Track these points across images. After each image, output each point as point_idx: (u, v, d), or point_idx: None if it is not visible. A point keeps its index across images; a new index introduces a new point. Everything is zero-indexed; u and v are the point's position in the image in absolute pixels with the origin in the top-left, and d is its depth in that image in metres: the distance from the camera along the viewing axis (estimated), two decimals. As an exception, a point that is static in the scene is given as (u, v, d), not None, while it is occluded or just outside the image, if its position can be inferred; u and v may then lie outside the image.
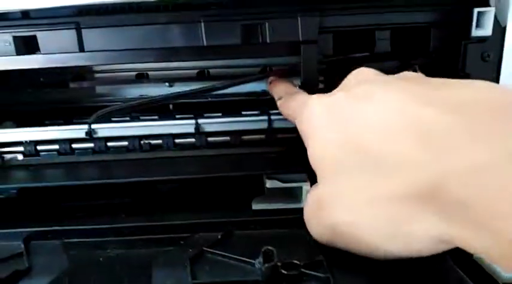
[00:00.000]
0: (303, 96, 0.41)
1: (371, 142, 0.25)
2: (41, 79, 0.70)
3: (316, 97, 0.34)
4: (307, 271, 0.31)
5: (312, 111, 0.33)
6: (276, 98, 0.51)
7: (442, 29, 0.48)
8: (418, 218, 0.23)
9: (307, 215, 0.32)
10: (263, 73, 0.66)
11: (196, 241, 0.38)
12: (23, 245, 0.38)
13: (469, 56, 0.46)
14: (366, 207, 0.25)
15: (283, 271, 0.31)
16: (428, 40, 0.49)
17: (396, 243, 0.26)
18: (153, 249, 0.37)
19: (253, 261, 0.32)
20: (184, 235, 0.40)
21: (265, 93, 0.70)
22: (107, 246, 0.38)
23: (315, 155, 0.32)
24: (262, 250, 0.29)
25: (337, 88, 0.35)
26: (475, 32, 0.44)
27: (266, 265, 0.27)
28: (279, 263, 0.30)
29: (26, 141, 0.55)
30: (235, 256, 0.34)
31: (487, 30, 0.44)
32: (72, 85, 0.72)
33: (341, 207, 0.27)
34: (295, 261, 0.32)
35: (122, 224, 0.41)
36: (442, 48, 0.49)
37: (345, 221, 0.27)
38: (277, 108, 0.62)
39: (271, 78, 0.57)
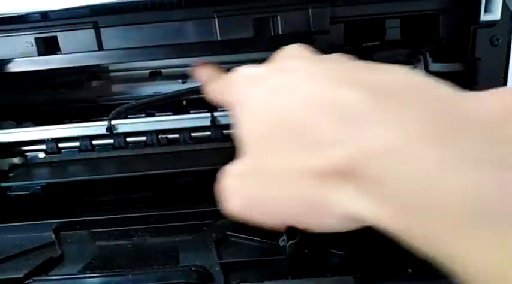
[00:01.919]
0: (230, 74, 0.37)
1: (292, 117, 0.25)
2: (57, 80, 0.72)
3: (241, 69, 0.32)
4: (329, 249, 0.32)
5: (237, 83, 0.31)
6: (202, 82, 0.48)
7: (451, 15, 0.49)
8: (333, 194, 0.23)
9: (229, 190, 0.30)
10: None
11: (219, 226, 0.40)
12: (53, 235, 0.40)
13: (478, 40, 0.47)
14: (285, 180, 0.25)
15: (305, 250, 0.32)
16: (438, 27, 0.50)
17: (309, 217, 0.26)
18: (178, 235, 0.39)
19: (275, 243, 0.34)
20: (207, 221, 0.41)
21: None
22: (134, 234, 0.40)
23: (244, 130, 0.30)
24: (285, 228, 0.30)
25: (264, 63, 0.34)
26: (484, 17, 0.45)
27: (290, 242, 0.29)
28: (301, 241, 0.31)
29: (47, 139, 0.57)
30: (258, 239, 0.36)
31: (495, 14, 0.45)
32: (87, 84, 0.74)
33: (263, 178, 0.27)
34: (317, 240, 0.33)
35: (147, 213, 0.42)
36: (452, 34, 0.50)
37: (264, 192, 0.27)
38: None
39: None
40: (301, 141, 0.24)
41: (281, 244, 0.29)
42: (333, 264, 0.31)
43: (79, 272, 0.33)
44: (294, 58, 0.30)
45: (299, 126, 0.24)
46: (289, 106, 0.25)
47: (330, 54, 0.31)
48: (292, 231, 0.30)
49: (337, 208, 0.23)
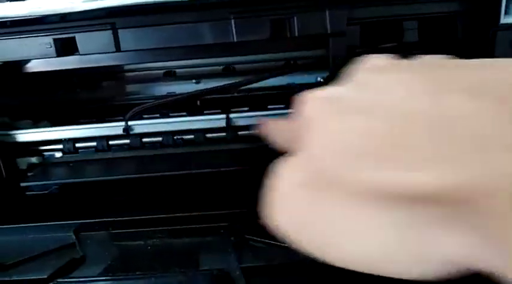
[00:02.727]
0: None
1: (386, 133, 0.19)
2: (74, 79, 0.73)
3: (310, 94, 0.26)
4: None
5: (311, 110, 0.25)
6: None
7: (470, 18, 0.49)
8: (438, 228, 0.17)
9: (281, 197, 0.23)
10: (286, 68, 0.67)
11: (237, 229, 0.40)
12: (74, 236, 0.41)
13: (498, 43, 0.46)
14: (367, 204, 0.19)
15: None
16: (456, 29, 0.50)
17: (390, 259, 0.19)
18: (197, 238, 0.39)
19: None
20: (223, 224, 0.41)
21: (290, 86, 0.72)
22: (153, 236, 0.40)
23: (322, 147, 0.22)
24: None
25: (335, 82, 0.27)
26: (504, 19, 0.45)
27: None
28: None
29: (65, 139, 0.58)
30: (276, 243, 0.36)
31: (516, 17, 0.45)
32: (103, 84, 0.74)
33: (332, 195, 0.20)
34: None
35: (165, 215, 0.43)
36: (470, 37, 0.50)
37: (332, 214, 0.20)
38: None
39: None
40: (400, 158, 0.18)
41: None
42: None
43: (101, 274, 0.34)
44: (372, 71, 0.25)
45: (399, 145, 0.18)
46: (383, 126, 0.20)
47: (407, 58, 0.27)
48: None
49: (441, 247, 0.17)
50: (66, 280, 0.32)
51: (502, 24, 0.45)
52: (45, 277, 0.32)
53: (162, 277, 0.31)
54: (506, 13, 0.45)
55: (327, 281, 0.29)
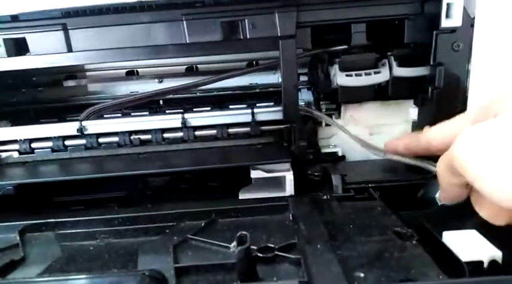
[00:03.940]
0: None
1: None
2: (34, 78, 0.72)
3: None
4: (280, 253, 0.33)
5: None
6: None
7: (416, 21, 0.50)
8: None
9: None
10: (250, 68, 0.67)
11: (182, 229, 0.41)
12: (18, 237, 0.41)
13: (439, 46, 0.48)
14: None
15: (258, 254, 0.33)
16: (403, 32, 0.51)
17: None
18: (141, 238, 0.40)
19: (230, 246, 0.35)
20: (170, 224, 0.42)
21: (250, 87, 0.73)
22: (97, 236, 0.41)
23: None
24: (237, 234, 0.31)
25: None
26: (445, 23, 0.46)
27: (239, 248, 0.30)
28: (253, 247, 0.32)
29: (21, 139, 0.58)
30: (216, 242, 0.37)
31: (456, 20, 0.46)
32: (65, 84, 0.74)
33: None
34: (270, 244, 0.34)
35: (111, 216, 0.43)
36: (416, 40, 0.51)
37: None
38: (260, 101, 0.65)
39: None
40: None
41: (231, 250, 0.30)
42: (281, 268, 0.32)
43: (37, 276, 0.34)
44: None
45: None
46: None
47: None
48: (242, 237, 0.30)
49: None
50: (-1, 281, 0.32)
51: (443, 27, 0.46)
52: (-21, 279, 0.32)
53: (93, 278, 0.31)
54: (447, 16, 0.46)
55: (254, 279, 0.30)
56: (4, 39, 0.50)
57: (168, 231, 0.41)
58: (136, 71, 0.74)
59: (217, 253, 0.36)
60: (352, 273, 0.31)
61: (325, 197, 0.47)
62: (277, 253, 0.33)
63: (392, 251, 0.34)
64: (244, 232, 0.31)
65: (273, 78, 0.73)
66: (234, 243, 0.30)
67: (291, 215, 0.42)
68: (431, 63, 0.49)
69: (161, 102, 0.72)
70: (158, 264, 0.34)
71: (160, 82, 0.74)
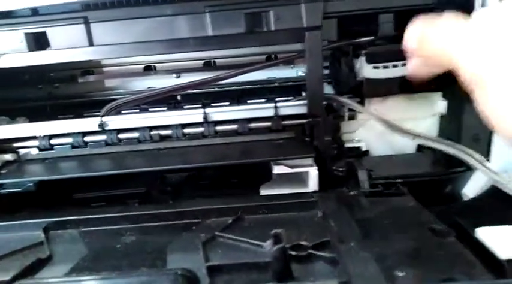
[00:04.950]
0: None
1: None
2: (51, 74, 0.72)
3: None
4: (314, 252, 0.32)
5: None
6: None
7: (445, 10, 0.48)
8: None
9: None
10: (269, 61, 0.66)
11: (208, 226, 0.40)
12: (43, 235, 0.40)
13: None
14: None
15: (291, 252, 0.32)
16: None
17: None
18: (167, 235, 0.39)
19: (262, 244, 0.34)
20: (196, 221, 0.41)
21: (268, 81, 0.71)
22: (123, 233, 0.40)
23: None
24: (272, 233, 0.30)
25: None
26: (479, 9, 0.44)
27: (275, 247, 0.29)
28: (287, 245, 0.31)
29: (40, 136, 0.57)
30: (245, 240, 0.36)
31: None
32: (80, 80, 0.73)
33: None
34: (303, 242, 0.33)
35: (136, 212, 0.42)
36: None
37: None
38: (282, 96, 0.63)
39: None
40: None
41: (266, 249, 0.29)
42: (315, 267, 0.31)
43: (66, 275, 0.33)
44: None
45: None
46: None
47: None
48: (277, 236, 0.29)
49: None
50: (29, 281, 0.31)
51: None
52: (8, 278, 0.31)
53: (125, 277, 0.30)
54: (483, 5, 0.45)
55: (290, 279, 0.29)
56: (25, 34, 0.49)
57: (194, 228, 0.40)
58: (154, 66, 0.73)
59: (247, 251, 0.35)
60: (391, 272, 0.30)
61: (351, 193, 0.46)
62: (310, 251, 0.32)
63: (430, 248, 0.32)
64: (278, 231, 0.30)
65: (290, 72, 0.72)
66: (269, 242, 0.29)
67: (320, 212, 0.40)
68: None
69: (179, 97, 0.71)
70: (188, 262, 0.33)
71: (178, 77, 0.73)
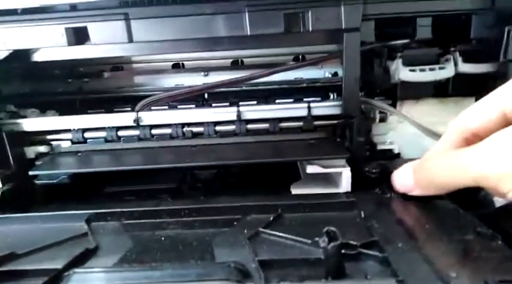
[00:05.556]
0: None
1: None
2: (81, 69, 0.73)
3: None
4: (364, 251, 0.33)
5: None
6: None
7: (485, 15, 0.48)
8: None
9: None
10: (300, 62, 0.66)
11: (250, 222, 0.40)
12: (86, 226, 0.41)
13: (512, 41, 0.46)
14: None
15: (342, 251, 0.32)
16: (469, 27, 0.50)
17: None
18: (210, 229, 0.39)
19: (308, 241, 0.34)
20: (236, 217, 0.41)
21: (295, 81, 0.72)
22: (165, 227, 0.40)
23: None
24: (325, 230, 0.30)
25: None
26: (521, 18, 0.45)
27: (331, 244, 0.29)
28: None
29: (74, 129, 0.58)
30: (290, 236, 0.36)
31: (532, 15, 0.45)
32: (110, 75, 0.74)
33: None
34: (351, 242, 0.34)
35: (177, 207, 0.43)
36: (484, 35, 0.49)
37: None
38: (309, 96, 0.64)
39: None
40: None
41: (322, 245, 0.29)
42: (366, 266, 0.31)
43: (116, 265, 0.33)
44: None
45: None
46: None
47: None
48: (331, 233, 0.30)
49: None
50: (82, 270, 0.32)
51: (519, 22, 0.45)
52: (59, 267, 0.32)
53: (180, 269, 0.31)
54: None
55: (344, 276, 0.29)
56: (66, 28, 0.50)
57: (236, 224, 0.40)
58: (182, 63, 0.74)
59: (293, 247, 0.35)
60: (443, 272, 0.30)
61: (388, 195, 0.46)
62: (360, 250, 0.33)
63: (479, 251, 0.32)
64: (332, 228, 0.30)
65: (318, 72, 0.72)
66: (324, 238, 0.30)
67: (362, 213, 0.40)
68: (502, 59, 0.47)
69: (206, 95, 0.71)
70: (237, 257, 0.33)
71: (206, 75, 0.73)
